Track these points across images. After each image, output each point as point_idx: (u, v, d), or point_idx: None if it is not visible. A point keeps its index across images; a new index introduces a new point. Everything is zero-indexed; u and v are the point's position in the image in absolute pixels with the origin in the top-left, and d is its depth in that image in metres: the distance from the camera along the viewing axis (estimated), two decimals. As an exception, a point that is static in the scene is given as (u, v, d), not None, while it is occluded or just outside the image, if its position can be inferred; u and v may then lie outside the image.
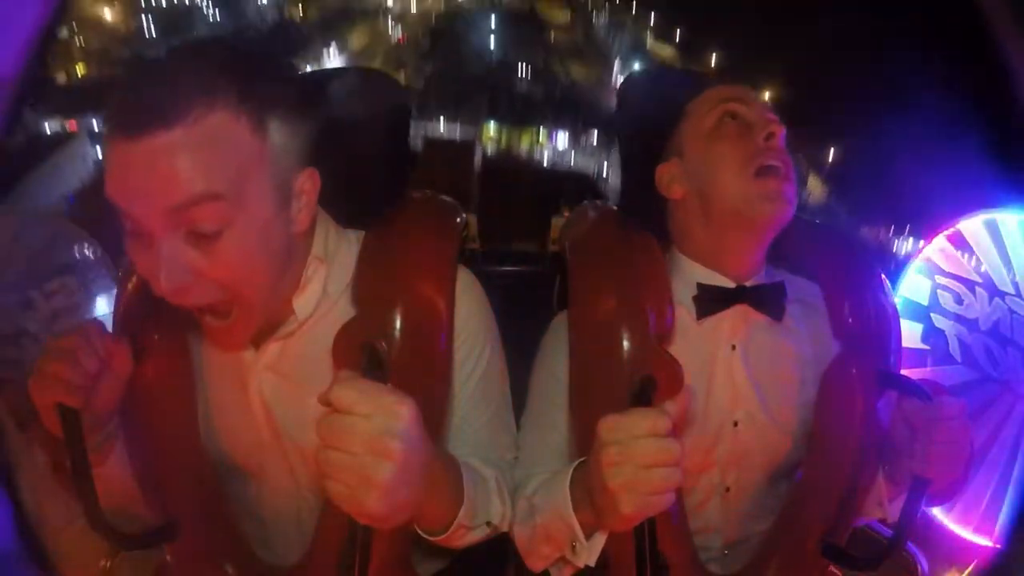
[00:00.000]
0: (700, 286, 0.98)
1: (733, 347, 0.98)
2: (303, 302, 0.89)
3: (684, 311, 0.98)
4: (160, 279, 0.74)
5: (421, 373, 0.85)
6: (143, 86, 0.75)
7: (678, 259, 1.02)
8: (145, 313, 0.94)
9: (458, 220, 1.00)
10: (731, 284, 0.98)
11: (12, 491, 0.75)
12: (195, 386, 0.95)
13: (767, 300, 0.98)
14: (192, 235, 0.74)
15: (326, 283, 0.91)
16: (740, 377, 0.98)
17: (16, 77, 0.64)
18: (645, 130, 1.06)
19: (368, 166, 1.01)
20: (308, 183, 0.84)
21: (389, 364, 0.83)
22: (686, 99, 1.02)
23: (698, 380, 0.96)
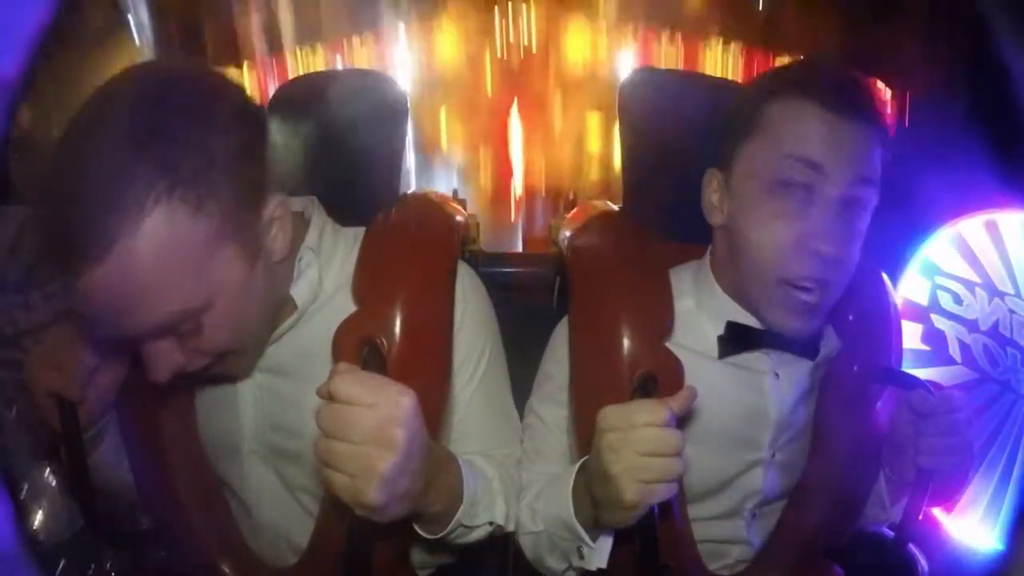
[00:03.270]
0: (729, 325, 0.95)
1: (776, 375, 0.97)
2: (300, 291, 0.89)
3: (708, 349, 0.96)
4: (154, 376, 0.75)
5: (421, 370, 0.85)
6: (60, 223, 0.67)
7: (711, 285, 0.98)
8: None
9: (458, 218, 1.00)
10: (759, 325, 0.94)
11: (12, 491, 0.75)
12: (192, 385, 0.95)
13: (796, 341, 0.94)
14: (174, 336, 0.73)
15: (322, 275, 0.90)
16: (787, 405, 0.96)
17: (16, 77, 0.63)
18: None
19: (366, 165, 1.01)
20: (278, 210, 0.79)
21: (389, 360, 0.83)
22: (761, 96, 0.89)
23: (737, 407, 0.95)
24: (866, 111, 0.85)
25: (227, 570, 0.96)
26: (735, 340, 0.94)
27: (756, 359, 0.96)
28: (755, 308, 0.92)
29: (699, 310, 0.97)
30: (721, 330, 0.95)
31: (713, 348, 0.96)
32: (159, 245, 0.66)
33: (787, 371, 0.96)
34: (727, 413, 0.95)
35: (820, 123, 0.83)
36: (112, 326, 0.70)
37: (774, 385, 0.96)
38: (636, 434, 0.72)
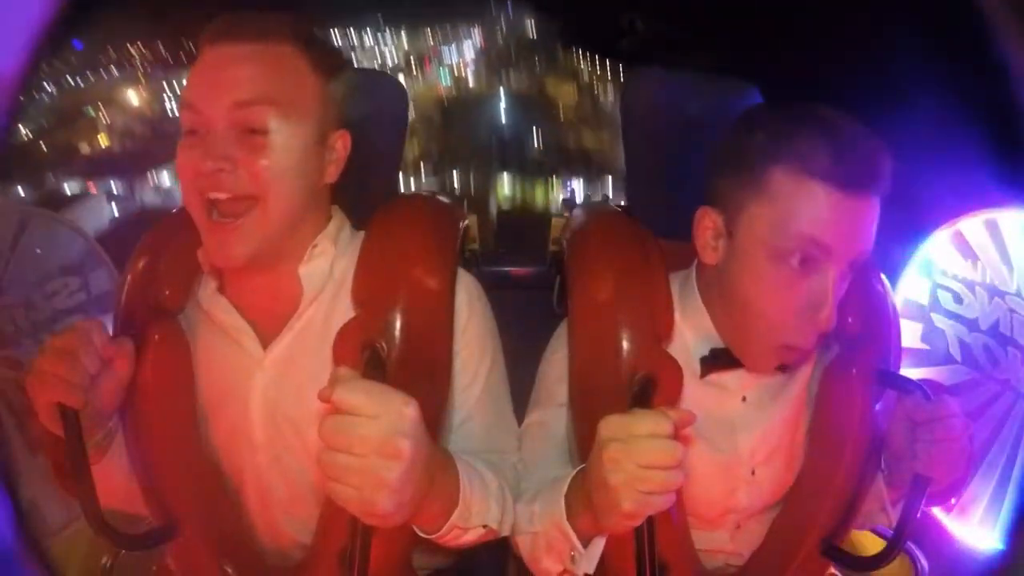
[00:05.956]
0: (713, 350, 0.96)
1: (744, 399, 0.97)
2: (309, 272, 0.90)
3: (689, 364, 0.96)
4: (207, 161, 0.82)
5: (421, 374, 0.85)
6: (234, 16, 0.90)
7: (695, 300, 0.98)
8: (145, 312, 0.94)
9: (457, 219, 1.00)
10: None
11: (12, 491, 0.75)
12: (194, 385, 0.95)
13: None
14: (243, 133, 0.85)
15: (333, 264, 0.93)
16: (755, 428, 0.97)
17: (16, 77, 0.64)
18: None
19: (366, 166, 1.01)
20: (340, 142, 0.94)
21: (389, 365, 0.83)
22: (765, 157, 0.85)
23: (711, 431, 0.95)
24: (876, 184, 0.84)
25: (230, 571, 0.96)
26: (716, 361, 0.96)
27: (727, 378, 0.97)
28: (739, 350, 0.93)
29: (684, 325, 0.98)
30: (702, 349, 0.96)
31: (695, 365, 0.96)
32: (282, 58, 0.89)
33: (758, 387, 0.98)
34: (706, 431, 0.95)
35: (829, 205, 0.82)
36: (212, 91, 0.86)
37: (741, 405, 0.97)
38: (637, 445, 0.71)
